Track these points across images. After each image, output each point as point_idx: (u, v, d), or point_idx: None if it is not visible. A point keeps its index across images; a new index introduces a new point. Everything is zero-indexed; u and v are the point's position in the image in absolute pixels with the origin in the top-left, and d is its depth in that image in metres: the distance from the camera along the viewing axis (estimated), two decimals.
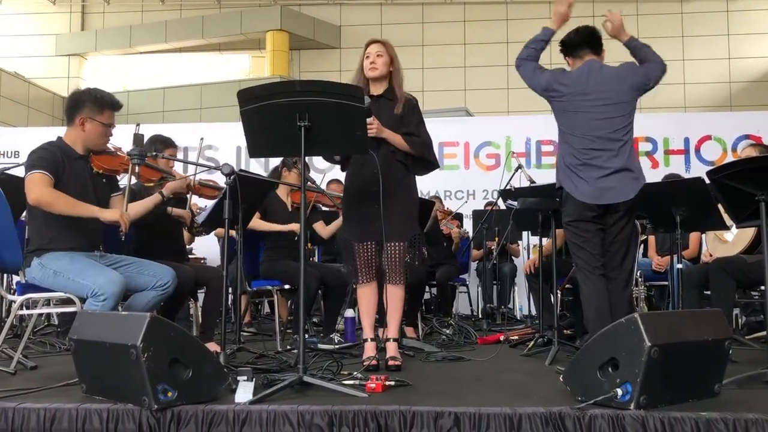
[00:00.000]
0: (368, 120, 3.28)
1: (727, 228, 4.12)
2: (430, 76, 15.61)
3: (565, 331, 4.58)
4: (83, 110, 3.36)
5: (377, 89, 3.59)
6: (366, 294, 3.58)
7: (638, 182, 3.48)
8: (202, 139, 4.84)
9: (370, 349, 3.47)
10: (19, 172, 4.73)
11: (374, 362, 3.31)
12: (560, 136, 3.65)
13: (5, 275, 4.89)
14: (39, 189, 3.15)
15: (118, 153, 3.52)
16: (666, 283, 5.21)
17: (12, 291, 4.60)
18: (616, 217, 3.49)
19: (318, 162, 7.20)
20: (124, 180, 3.55)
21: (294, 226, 4.81)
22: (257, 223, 4.68)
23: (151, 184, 3.79)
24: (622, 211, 3.48)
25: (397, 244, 3.46)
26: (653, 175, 6.44)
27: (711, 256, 4.76)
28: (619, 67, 3.61)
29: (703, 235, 5.31)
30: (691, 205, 3.74)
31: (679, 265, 3.97)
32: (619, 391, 2.27)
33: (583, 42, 3.63)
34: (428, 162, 3.63)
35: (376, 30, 16.85)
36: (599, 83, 3.52)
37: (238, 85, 12.49)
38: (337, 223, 5.08)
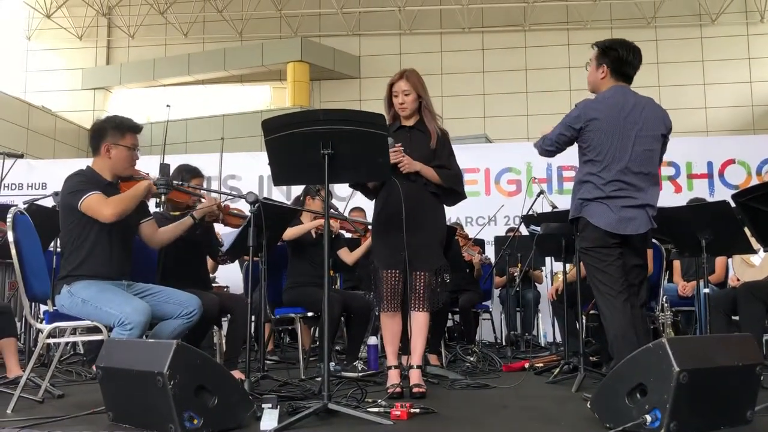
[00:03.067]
0: (398, 156, 3.39)
1: (754, 251, 4.07)
2: (449, 104, 15.70)
3: (591, 357, 4.52)
4: (106, 138, 3.41)
5: (408, 121, 3.66)
6: (390, 323, 3.57)
7: (652, 222, 3.38)
8: (222, 139, 4.83)
9: (394, 377, 3.46)
10: (47, 203, 4.85)
11: (399, 389, 3.30)
12: (584, 171, 3.45)
13: (33, 304, 4.94)
14: (107, 205, 3.22)
15: (146, 178, 3.56)
16: (692, 308, 5.13)
17: (40, 320, 4.65)
18: (633, 247, 3.40)
19: (339, 190, 7.22)
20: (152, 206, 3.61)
21: (315, 224, 4.83)
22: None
23: (177, 213, 3.83)
24: (639, 241, 3.41)
25: (422, 273, 3.49)
26: (677, 200, 6.39)
27: (738, 280, 4.70)
28: (651, 99, 3.48)
29: (730, 260, 5.24)
30: (716, 228, 3.69)
31: (706, 290, 3.92)
32: (648, 418, 2.24)
33: (634, 71, 3.46)
34: (457, 193, 3.70)
35: (395, 60, 17.03)
36: (638, 113, 3.38)
37: (259, 115, 12.66)
38: (362, 249, 5.10)
